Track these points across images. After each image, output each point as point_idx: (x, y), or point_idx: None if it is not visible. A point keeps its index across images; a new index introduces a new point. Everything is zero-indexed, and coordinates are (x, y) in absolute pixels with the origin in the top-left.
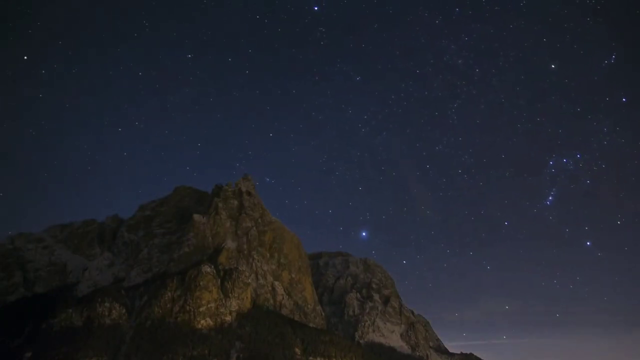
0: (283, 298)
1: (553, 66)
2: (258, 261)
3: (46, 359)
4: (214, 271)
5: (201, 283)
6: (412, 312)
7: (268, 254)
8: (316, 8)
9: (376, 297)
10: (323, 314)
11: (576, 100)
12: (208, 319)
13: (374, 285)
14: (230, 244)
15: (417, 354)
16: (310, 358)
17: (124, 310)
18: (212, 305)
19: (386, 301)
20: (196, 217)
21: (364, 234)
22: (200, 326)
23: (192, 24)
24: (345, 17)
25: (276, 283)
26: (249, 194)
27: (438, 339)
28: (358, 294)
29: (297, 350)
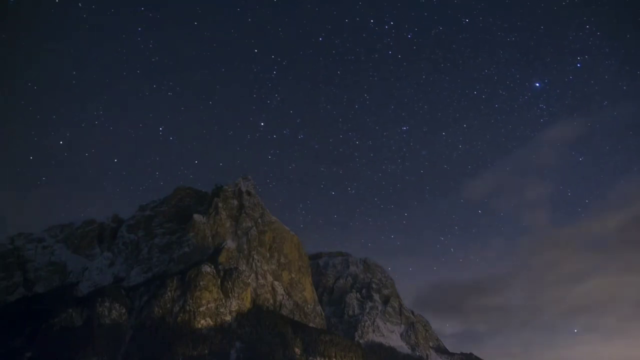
0: (283, 298)
1: None
2: (258, 261)
3: (46, 359)
4: (214, 271)
5: (201, 283)
6: (412, 312)
7: (268, 254)
8: (538, 84)
9: (376, 297)
10: (323, 314)
11: None
12: (208, 318)
13: (374, 285)
14: (230, 243)
15: (417, 354)
16: (310, 358)
17: (124, 310)
18: (212, 305)
19: (386, 301)
20: (196, 217)
21: None
22: (200, 326)
23: (409, 100)
24: (568, 93)
25: (276, 283)
26: (249, 193)
27: (438, 339)
28: (358, 294)
29: (297, 350)
